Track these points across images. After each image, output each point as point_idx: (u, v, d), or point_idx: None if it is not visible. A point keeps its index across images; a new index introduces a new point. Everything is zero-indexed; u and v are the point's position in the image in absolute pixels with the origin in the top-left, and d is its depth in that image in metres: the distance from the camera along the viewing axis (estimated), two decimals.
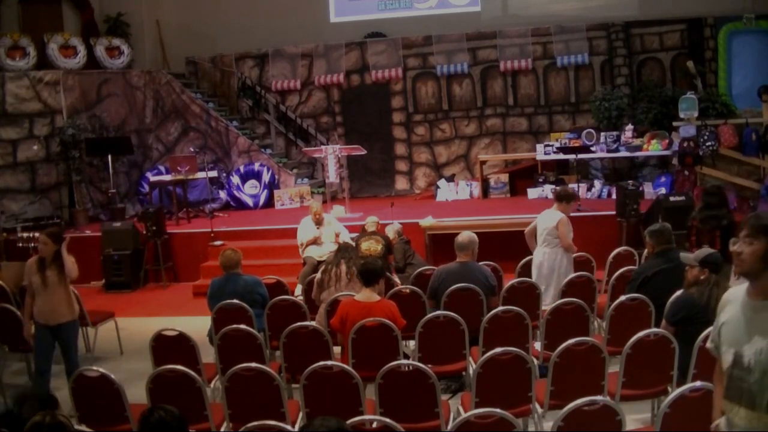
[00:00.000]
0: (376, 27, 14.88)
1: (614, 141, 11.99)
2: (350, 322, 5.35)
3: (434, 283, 6.43)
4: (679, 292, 5.07)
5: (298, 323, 5.60)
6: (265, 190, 13.53)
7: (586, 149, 11.90)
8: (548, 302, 6.53)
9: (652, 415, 5.13)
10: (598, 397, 3.93)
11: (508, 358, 4.47)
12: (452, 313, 5.57)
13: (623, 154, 12.03)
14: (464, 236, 6.48)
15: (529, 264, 7.51)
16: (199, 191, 13.22)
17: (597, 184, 12.24)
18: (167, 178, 12.78)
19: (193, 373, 4.58)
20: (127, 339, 7.93)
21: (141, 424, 3.12)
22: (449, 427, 3.97)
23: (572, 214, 10.27)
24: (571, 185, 12.01)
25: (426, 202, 13.09)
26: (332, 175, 11.94)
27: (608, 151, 12.01)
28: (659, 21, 13.61)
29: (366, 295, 5.52)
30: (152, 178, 13.08)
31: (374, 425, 3.75)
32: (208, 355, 5.86)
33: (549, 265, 7.18)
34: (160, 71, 14.61)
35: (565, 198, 7.39)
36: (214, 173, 13.10)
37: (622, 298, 5.69)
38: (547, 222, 7.26)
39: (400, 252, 8.26)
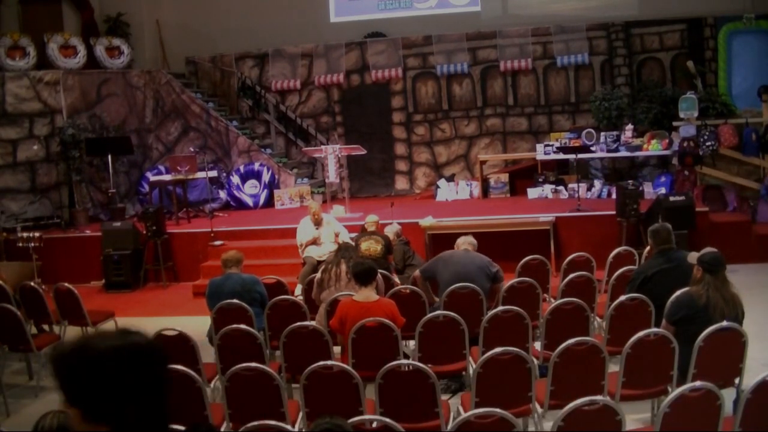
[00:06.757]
0: (376, 27, 14.88)
1: (614, 141, 11.98)
2: (350, 322, 5.35)
3: (432, 263, 6.69)
4: (679, 292, 5.07)
5: (298, 323, 5.60)
6: (265, 190, 13.52)
7: (586, 149, 11.89)
8: None
9: (652, 415, 5.13)
10: (598, 397, 3.93)
11: (508, 358, 4.47)
12: (452, 313, 5.57)
13: (623, 154, 12.03)
14: (470, 237, 6.85)
15: (528, 264, 7.50)
16: (199, 191, 13.21)
17: (597, 184, 12.22)
18: (167, 178, 12.76)
19: (193, 373, 4.58)
20: None
21: None
22: (449, 427, 3.96)
23: (572, 214, 10.42)
24: (570, 185, 12.04)
25: (426, 202, 13.07)
26: (332, 175, 11.93)
27: (608, 151, 12.01)
28: (659, 21, 13.60)
29: (364, 295, 5.53)
30: (152, 178, 13.06)
31: (374, 425, 3.75)
32: (208, 355, 5.85)
33: None
34: (160, 71, 14.60)
35: None
36: (214, 173, 13.09)
37: (622, 298, 5.69)
38: None
39: (399, 254, 8.24)
